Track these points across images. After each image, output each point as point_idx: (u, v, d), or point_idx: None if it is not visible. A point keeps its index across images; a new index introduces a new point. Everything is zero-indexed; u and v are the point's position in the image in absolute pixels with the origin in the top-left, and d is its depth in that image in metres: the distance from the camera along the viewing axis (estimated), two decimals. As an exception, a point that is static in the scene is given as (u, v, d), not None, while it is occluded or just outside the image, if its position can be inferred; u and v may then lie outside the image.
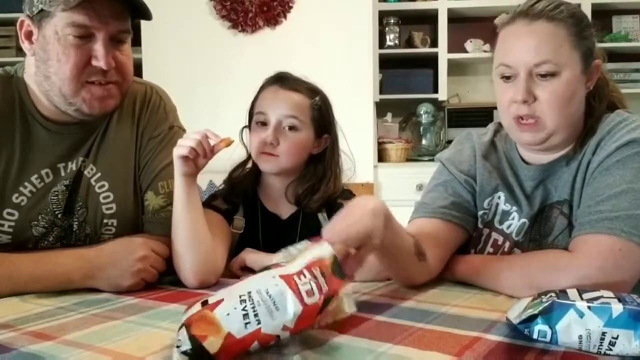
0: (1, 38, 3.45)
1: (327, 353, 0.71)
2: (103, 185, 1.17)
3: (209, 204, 1.28)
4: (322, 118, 1.31)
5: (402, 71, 3.50)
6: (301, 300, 0.70)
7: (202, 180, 1.50)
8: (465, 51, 3.50)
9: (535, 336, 0.72)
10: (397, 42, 3.53)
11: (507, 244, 1.11)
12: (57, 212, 1.14)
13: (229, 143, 1.09)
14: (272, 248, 1.08)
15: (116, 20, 1.06)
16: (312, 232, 0.85)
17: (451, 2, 3.43)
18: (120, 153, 1.18)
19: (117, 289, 1.03)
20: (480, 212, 1.15)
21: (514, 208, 1.11)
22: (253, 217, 1.32)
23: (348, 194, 1.35)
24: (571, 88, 1.00)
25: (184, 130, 1.26)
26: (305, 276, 0.72)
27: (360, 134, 2.89)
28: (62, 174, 1.14)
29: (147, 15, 1.11)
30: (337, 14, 3.05)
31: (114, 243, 1.08)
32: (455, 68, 3.55)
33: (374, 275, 1.09)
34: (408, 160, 3.44)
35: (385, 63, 3.42)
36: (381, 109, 3.48)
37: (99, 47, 1.04)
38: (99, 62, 1.04)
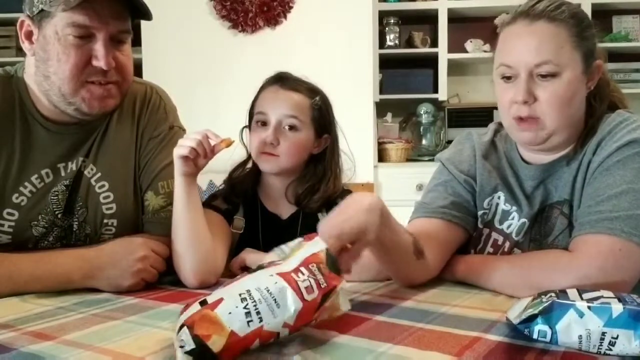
0: (1, 38, 3.45)
1: (327, 353, 0.71)
2: (103, 185, 1.17)
3: (209, 204, 1.28)
4: (322, 118, 1.31)
5: (402, 71, 3.50)
6: (301, 297, 0.70)
7: (202, 180, 1.50)
8: (465, 51, 3.50)
9: (535, 336, 0.72)
10: (397, 42, 3.53)
11: (507, 244, 1.11)
12: (57, 212, 1.14)
13: (229, 143, 1.09)
14: (272, 248, 1.08)
15: (116, 20, 1.06)
16: (312, 232, 0.85)
17: (451, 2, 3.43)
18: (120, 153, 1.18)
19: (117, 289, 1.03)
20: (480, 212, 1.15)
21: (514, 208, 1.11)
22: (253, 217, 1.32)
23: (348, 194, 1.34)
24: (572, 88, 1.00)
25: (184, 130, 1.26)
26: (303, 273, 0.73)
27: (360, 134, 2.89)
28: (62, 174, 1.14)
29: (147, 16, 1.11)
30: (337, 14, 3.05)
31: (114, 243, 1.08)
32: (455, 68, 3.55)
33: (374, 275, 1.09)
34: (408, 160, 3.44)
35: (385, 63, 3.42)
36: (381, 109, 3.48)
37: (99, 47, 1.04)
38: (99, 62, 1.05)
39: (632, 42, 3.40)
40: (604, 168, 0.99)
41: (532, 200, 1.10)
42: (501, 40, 1.06)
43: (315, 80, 1.35)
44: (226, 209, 1.29)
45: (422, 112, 3.55)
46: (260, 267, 0.78)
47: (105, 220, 1.17)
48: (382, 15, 3.47)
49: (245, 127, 1.35)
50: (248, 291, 0.70)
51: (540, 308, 0.72)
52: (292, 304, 0.70)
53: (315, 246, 0.78)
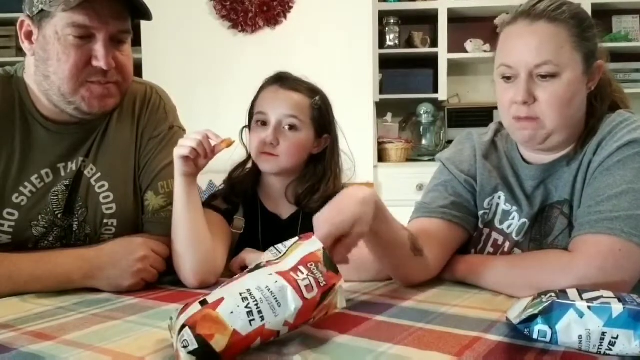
0: (1, 38, 3.45)
1: (327, 353, 0.71)
2: (103, 185, 1.17)
3: (209, 204, 1.28)
4: (322, 118, 1.31)
5: (402, 71, 3.50)
6: (301, 295, 0.71)
7: (202, 180, 1.50)
8: (465, 51, 3.50)
9: (535, 336, 0.72)
10: (397, 42, 3.53)
11: (507, 244, 1.11)
12: (57, 212, 1.14)
13: (229, 144, 1.09)
14: (270, 248, 1.08)
15: (116, 20, 1.06)
16: (312, 232, 0.85)
17: (451, 2, 3.43)
18: (120, 153, 1.18)
19: (117, 289, 1.03)
20: (480, 212, 1.15)
21: (514, 208, 1.11)
22: (253, 217, 1.32)
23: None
24: (572, 89, 1.00)
25: (184, 130, 1.26)
26: (302, 272, 0.73)
27: (360, 134, 2.89)
28: (62, 174, 1.14)
29: (147, 16, 1.11)
30: (337, 14, 3.05)
31: (114, 243, 1.08)
32: (455, 68, 3.55)
33: (373, 275, 1.09)
34: (408, 160, 3.45)
35: (385, 63, 3.42)
36: (381, 109, 3.48)
37: (99, 48, 1.04)
38: (99, 62, 1.05)
39: (632, 42, 3.40)
40: (604, 168, 0.99)
41: (533, 200, 1.10)
42: (502, 41, 1.06)
43: (315, 80, 1.35)
44: (226, 209, 1.29)
45: (422, 112, 3.55)
46: (258, 267, 0.78)
47: (105, 220, 1.17)
48: (382, 15, 3.47)
49: (245, 127, 1.35)
50: (249, 290, 0.70)
51: (540, 308, 0.72)
52: (292, 303, 0.70)
53: (312, 245, 0.79)
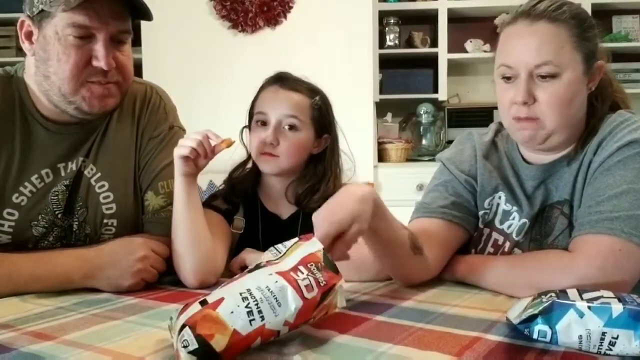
0: (1, 38, 3.45)
1: (327, 353, 0.71)
2: (103, 185, 1.17)
3: (209, 204, 1.28)
4: (322, 118, 1.31)
5: (402, 71, 3.50)
6: (301, 295, 0.71)
7: (202, 180, 1.50)
8: (465, 51, 3.50)
9: (535, 336, 0.72)
10: (397, 42, 3.53)
11: (508, 244, 1.11)
12: (57, 212, 1.14)
13: (229, 144, 1.09)
14: (270, 248, 1.08)
15: (116, 20, 1.06)
16: (312, 232, 0.85)
17: (451, 2, 3.43)
18: (120, 153, 1.18)
19: (117, 289, 1.03)
20: (480, 212, 1.15)
21: (515, 208, 1.11)
22: (253, 217, 1.32)
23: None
24: (572, 89, 1.00)
25: (184, 130, 1.26)
26: (302, 272, 0.73)
27: (360, 134, 2.89)
28: (62, 174, 1.14)
29: (148, 16, 1.11)
30: (337, 14, 3.05)
31: (114, 243, 1.08)
32: (455, 68, 3.55)
33: (373, 275, 1.10)
34: (408, 160, 3.45)
35: (385, 63, 3.42)
36: (381, 109, 3.48)
37: (99, 48, 1.04)
38: (100, 62, 1.05)
39: (632, 42, 3.40)
40: (604, 168, 0.99)
41: (533, 200, 1.10)
42: (502, 41, 1.06)
43: (315, 80, 1.35)
44: (226, 209, 1.29)
45: (422, 112, 3.55)
46: (258, 267, 0.78)
47: (105, 220, 1.17)
48: (382, 15, 3.47)
49: (245, 127, 1.35)
50: (249, 290, 0.70)
51: (540, 308, 0.72)
52: (292, 302, 0.71)
53: (312, 246, 0.79)
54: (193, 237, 1.08)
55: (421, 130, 3.63)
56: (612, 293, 0.76)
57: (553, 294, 0.76)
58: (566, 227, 1.05)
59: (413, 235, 1.02)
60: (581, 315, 0.70)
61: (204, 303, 0.70)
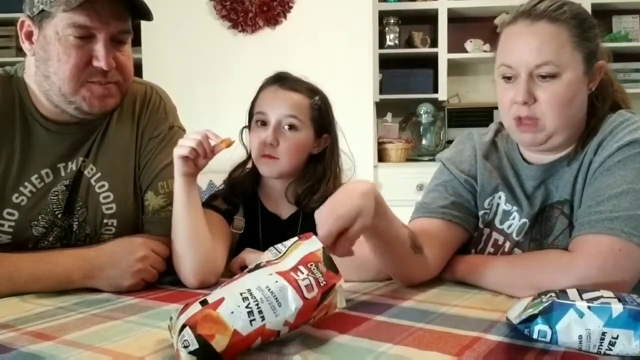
0: (1, 38, 3.45)
1: (327, 353, 0.71)
2: (103, 185, 1.17)
3: (209, 204, 1.28)
4: (321, 118, 1.31)
5: (402, 71, 3.50)
6: (301, 295, 0.71)
7: (202, 180, 1.50)
8: (465, 51, 3.50)
9: (535, 336, 0.72)
10: (397, 42, 3.53)
11: (508, 244, 1.11)
12: (57, 212, 1.14)
13: (229, 144, 1.09)
14: (269, 248, 1.08)
15: (117, 20, 1.06)
16: (312, 232, 0.85)
17: (451, 2, 3.43)
18: (120, 153, 1.18)
19: (117, 289, 1.03)
20: (480, 212, 1.15)
21: (515, 208, 1.11)
22: (253, 217, 1.32)
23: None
24: (572, 89, 1.00)
25: (184, 130, 1.26)
26: (302, 272, 0.73)
27: (360, 134, 2.89)
28: (62, 174, 1.14)
29: (148, 16, 1.11)
30: (337, 14, 3.05)
31: (114, 243, 1.09)
32: (455, 68, 3.55)
33: (373, 275, 1.10)
34: (408, 160, 3.44)
35: (385, 63, 3.41)
36: (381, 109, 3.48)
37: (99, 48, 1.04)
38: (100, 62, 1.05)
39: (632, 42, 3.40)
40: (604, 168, 0.99)
41: (533, 200, 1.10)
42: (502, 40, 1.06)
43: (315, 80, 1.35)
44: (226, 209, 1.29)
45: (422, 112, 3.55)
46: (258, 267, 0.78)
47: (105, 220, 1.17)
48: (382, 15, 3.47)
49: (245, 127, 1.35)
50: (249, 290, 0.70)
51: (540, 308, 0.72)
52: (292, 302, 0.71)
53: (312, 245, 0.79)
54: (193, 237, 1.08)
55: (421, 130, 3.63)
56: (612, 293, 0.76)
57: (553, 294, 0.76)
58: (566, 227, 1.05)
59: (413, 234, 1.02)
60: (581, 315, 0.70)
61: (204, 303, 0.70)
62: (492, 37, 1.03)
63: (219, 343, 0.65)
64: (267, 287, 0.71)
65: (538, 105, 1.01)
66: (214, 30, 3.10)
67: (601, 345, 0.69)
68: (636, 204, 0.94)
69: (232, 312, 0.68)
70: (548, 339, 0.72)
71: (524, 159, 1.13)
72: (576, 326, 0.70)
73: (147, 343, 0.75)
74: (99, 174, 1.16)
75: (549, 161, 1.09)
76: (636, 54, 3.34)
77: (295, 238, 0.82)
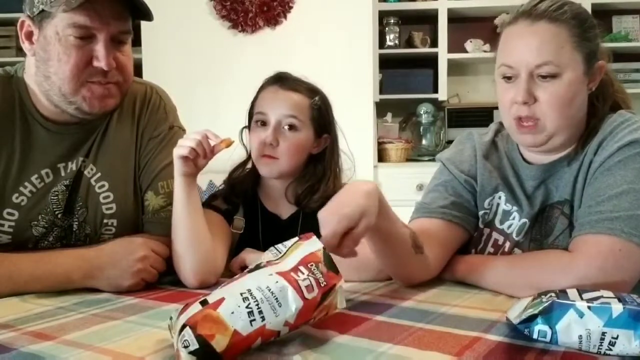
0: (1, 38, 3.45)
1: (327, 353, 0.71)
2: (103, 185, 1.17)
3: (209, 204, 1.28)
4: (321, 118, 1.31)
5: (402, 71, 3.50)
6: (302, 295, 0.71)
7: (202, 180, 1.50)
8: (465, 51, 3.50)
9: (535, 336, 0.72)
10: (397, 42, 3.53)
11: (508, 244, 1.11)
12: (57, 212, 1.14)
13: (229, 144, 1.09)
14: (270, 248, 1.08)
15: (117, 21, 1.06)
16: (312, 232, 0.85)
17: (451, 2, 3.43)
18: (120, 153, 1.18)
19: (117, 289, 1.03)
20: (480, 212, 1.15)
21: (515, 208, 1.11)
22: (253, 217, 1.32)
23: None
24: (572, 89, 1.00)
25: (184, 130, 1.26)
26: (302, 272, 0.73)
27: (360, 134, 2.89)
28: (62, 174, 1.14)
29: (148, 16, 1.11)
30: (337, 14, 3.05)
31: (114, 243, 1.08)
32: (455, 68, 3.55)
33: (373, 275, 1.10)
34: (408, 160, 3.45)
35: (385, 63, 3.42)
36: (381, 109, 3.48)
37: (99, 48, 1.04)
38: (100, 62, 1.05)
39: (632, 42, 3.40)
40: (605, 168, 0.99)
41: (533, 200, 1.10)
42: (502, 40, 1.06)
43: (315, 80, 1.35)
44: (226, 209, 1.29)
45: (422, 112, 3.55)
46: (258, 267, 0.78)
47: (105, 220, 1.17)
48: (382, 15, 3.47)
49: (245, 127, 1.35)
50: (249, 290, 0.70)
51: (540, 308, 0.72)
52: (293, 303, 0.71)
53: (312, 245, 0.79)
54: (193, 237, 1.08)
55: (421, 130, 3.63)
56: (612, 293, 0.76)
57: (553, 294, 0.76)
58: (566, 227, 1.05)
59: (414, 234, 1.02)
60: (581, 315, 0.70)
61: (204, 303, 0.70)
62: (492, 37, 1.03)
63: (219, 343, 0.65)
64: (268, 287, 0.71)
65: (538, 105, 1.01)
66: (214, 30, 3.10)
67: (601, 345, 0.69)
68: (636, 204, 0.94)
69: (233, 312, 0.68)
70: (548, 339, 0.72)
71: (524, 159, 1.13)
72: (576, 326, 0.70)
73: (147, 343, 0.75)
74: (99, 174, 1.16)
75: (549, 161, 1.09)
76: (636, 54, 3.34)
77: (296, 238, 0.82)
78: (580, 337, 0.70)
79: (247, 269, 0.80)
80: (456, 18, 3.48)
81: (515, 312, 0.77)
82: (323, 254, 0.78)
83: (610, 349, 0.69)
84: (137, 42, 2.98)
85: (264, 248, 1.25)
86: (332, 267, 0.77)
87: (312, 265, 0.75)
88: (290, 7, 3.08)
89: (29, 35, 1.08)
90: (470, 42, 3.49)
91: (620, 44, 3.31)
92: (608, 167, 0.99)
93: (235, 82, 2.86)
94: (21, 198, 1.11)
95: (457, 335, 0.77)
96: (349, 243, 0.88)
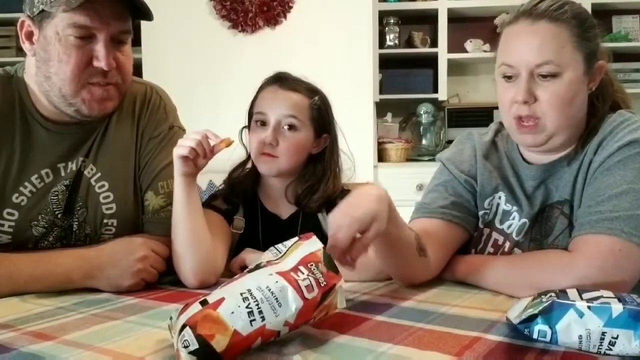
0: (1, 38, 3.45)
1: (327, 353, 0.71)
2: (103, 185, 1.17)
3: (209, 204, 1.29)
4: (321, 118, 1.31)
5: (402, 71, 3.50)
6: (302, 295, 0.71)
7: (202, 180, 1.50)
8: (465, 51, 3.50)
9: (535, 336, 0.72)
10: (397, 42, 3.53)
11: (508, 244, 1.11)
12: (57, 212, 1.14)
13: (229, 143, 1.09)
14: (270, 248, 1.08)
15: (117, 21, 1.06)
16: (312, 232, 0.85)
17: (451, 2, 3.43)
18: (120, 153, 1.18)
19: (117, 289, 1.03)
20: (480, 212, 1.15)
21: (515, 208, 1.11)
22: (253, 217, 1.32)
23: (347, 194, 1.34)
24: (572, 89, 1.00)
25: (183, 130, 1.26)
26: (302, 272, 0.73)
27: (360, 134, 2.89)
28: (62, 174, 1.14)
29: (148, 16, 1.11)
30: (337, 14, 3.05)
31: (114, 243, 1.09)
32: (455, 68, 3.55)
33: (373, 275, 1.09)
34: (408, 160, 3.45)
35: (385, 63, 3.42)
36: (381, 109, 3.48)
37: (100, 48, 1.04)
38: (100, 62, 1.05)
39: (632, 42, 3.40)
40: (604, 168, 0.99)
41: (533, 200, 1.10)
42: (503, 40, 1.06)
43: (315, 80, 1.35)
44: (226, 209, 1.29)
45: (422, 112, 3.55)
46: (258, 267, 0.78)
47: (105, 220, 1.17)
48: (382, 15, 3.47)
49: (245, 127, 1.35)
50: (249, 290, 0.70)
51: (540, 308, 0.72)
52: (293, 303, 0.71)
53: (312, 245, 0.79)
54: (193, 237, 1.08)
55: (421, 130, 3.63)
56: (612, 293, 0.76)
57: (553, 294, 0.76)
58: (566, 227, 1.05)
59: (419, 237, 1.02)
60: (581, 315, 0.70)
61: (204, 303, 0.70)
62: (492, 37, 1.04)
63: (219, 343, 0.65)
64: (268, 287, 0.71)
65: (538, 105, 1.01)
66: (214, 30, 3.10)
67: (601, 345, 0.69)
68: (636, 204, 0.94)
69: (232, 312, 0.68)
70: (548, 339, 0.72)
71: (524, 159, 1.13)
72: (576, 326, 0.70)
73: (147, 343, 0.75)
74: (99, 174, 1.16)
75: (548, 161, 1.09)
76: (636, 54, 3.34)
77: (296, 238, 0.82)
78: (580, 337, 0.70)
79: (247, 269, 0.80)
80: (456, 18, 3.48)
81: (515, 312, 0.77)
82: (323, 254, 0.78)
83: (610, 349, 0.69)
84: (137, 42, 2.98)
85: (264, 248, 1.25)
86: (332, 267, 0.77)
87: (312, 265, 0.75)
88: (290, 7, 3.08)
89: (29, 36, 1.08)
90: (470, 42, 3.49)
91: (620, 44, 3.31)
92: (608, 167, 0.99)
93: (235, 82, 2.86)
94: (21, 198, 1.11)
95: (457, 335, 0.77)
96: (358, 247, 0.87)
